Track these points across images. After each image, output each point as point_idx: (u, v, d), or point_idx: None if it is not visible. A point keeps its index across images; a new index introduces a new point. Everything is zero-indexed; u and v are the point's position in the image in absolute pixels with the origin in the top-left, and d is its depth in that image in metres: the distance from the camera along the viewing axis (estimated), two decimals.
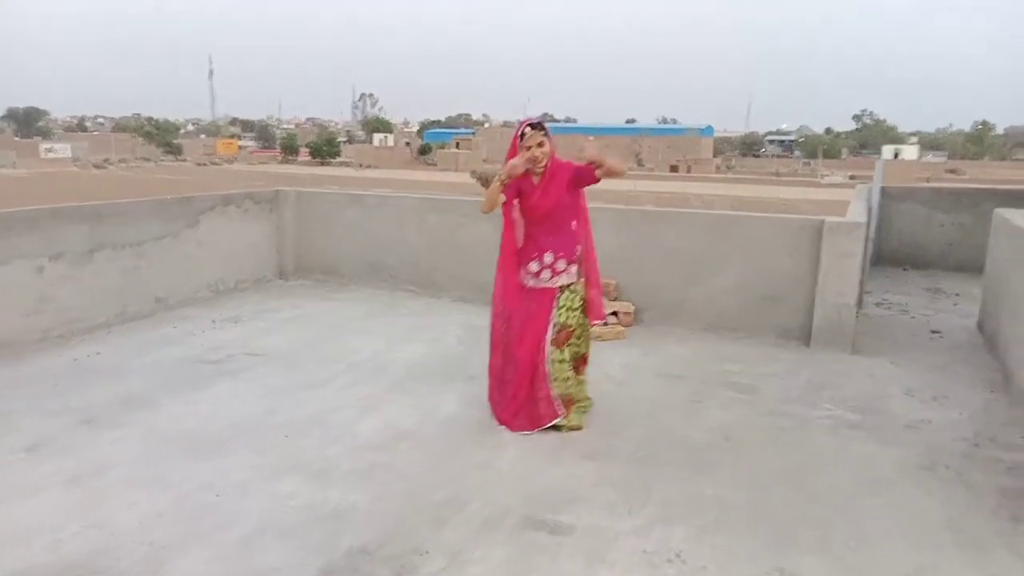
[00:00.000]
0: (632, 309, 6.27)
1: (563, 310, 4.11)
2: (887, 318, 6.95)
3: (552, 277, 4.10)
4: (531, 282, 4.12)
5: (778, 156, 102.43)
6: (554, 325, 4.09)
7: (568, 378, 4.15)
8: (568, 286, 4.12)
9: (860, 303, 7.32)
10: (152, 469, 3.59)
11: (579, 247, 4.16)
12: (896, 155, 71.40)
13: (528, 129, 3.96)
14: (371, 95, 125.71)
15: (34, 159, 71.43)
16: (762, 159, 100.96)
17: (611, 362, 5.27)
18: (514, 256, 4.20)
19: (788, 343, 5.88)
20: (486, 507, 3.34)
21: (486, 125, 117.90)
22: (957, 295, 7.97)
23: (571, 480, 3.62)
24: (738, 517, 3.30)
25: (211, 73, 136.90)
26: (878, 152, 78.92)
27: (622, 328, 6.02)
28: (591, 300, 4.26)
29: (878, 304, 7.50)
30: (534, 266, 4.10)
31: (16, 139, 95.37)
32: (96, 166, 68.90)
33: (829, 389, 4.92)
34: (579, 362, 4.33)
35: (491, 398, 4.34)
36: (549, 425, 4.09)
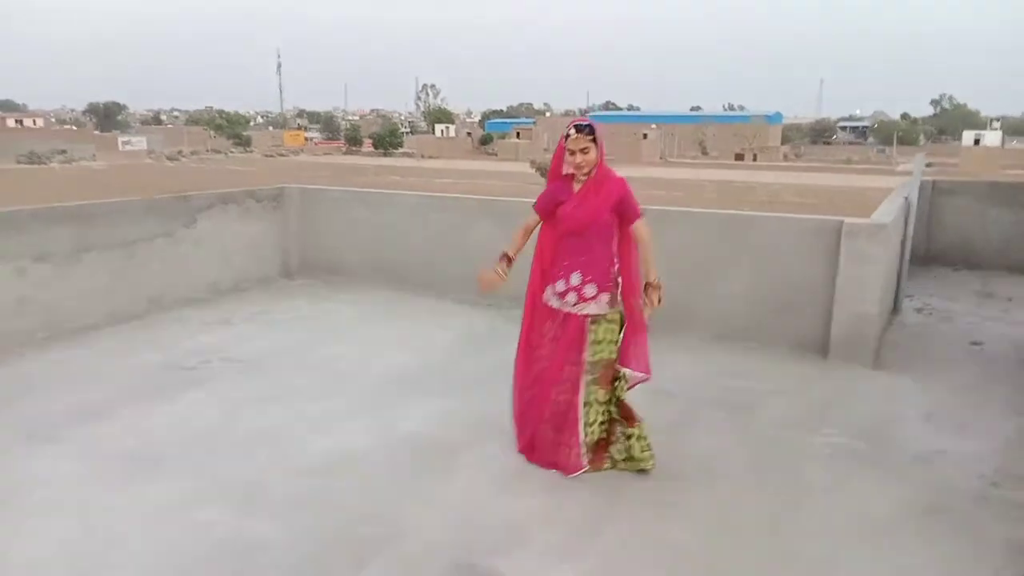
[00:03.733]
0: None
1: (603, 344, 3.60)
2: (925, 326, 6.35)
3: (578, 303, 3.58)
4: (555, 303, 3.64)
5: (850, 143, 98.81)
6: (592, 361, 3.59)
7: (604, 422, 3.68)
8: (602, 316, 3.60)
9: (898, 308, 6.75)
10: (75, 492, 3.41)
11: (615, 274, 3.63)
12: (977, 141, 67.56)
13: (573, 131, 3.49)
14: (433, 86, 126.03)
15: (113, 152, 74.05)
16: (833, 146, 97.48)
17: None
18: (541, 270, 3.74)
19: (804, 355, 5.38)
20: (415, 545, 3.04)
21: (547, 115, 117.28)
22: (1009, 300, 7.27)
23: (521, 515, 3.29)
24: (694, 569, 2.92)
25: (279, 67, 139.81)
26: (958, 138, 75.17)
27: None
28: (626, 340, 3.67)
29: (919, 310, 6.88)
30: (560, 285, 3.61)
31: (96, 133, 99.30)
32: (169, 158, 71.14)
33: (837, 410, 4.44)
34: (626, 413, 3.71)
35: (515, 417, 3.88)
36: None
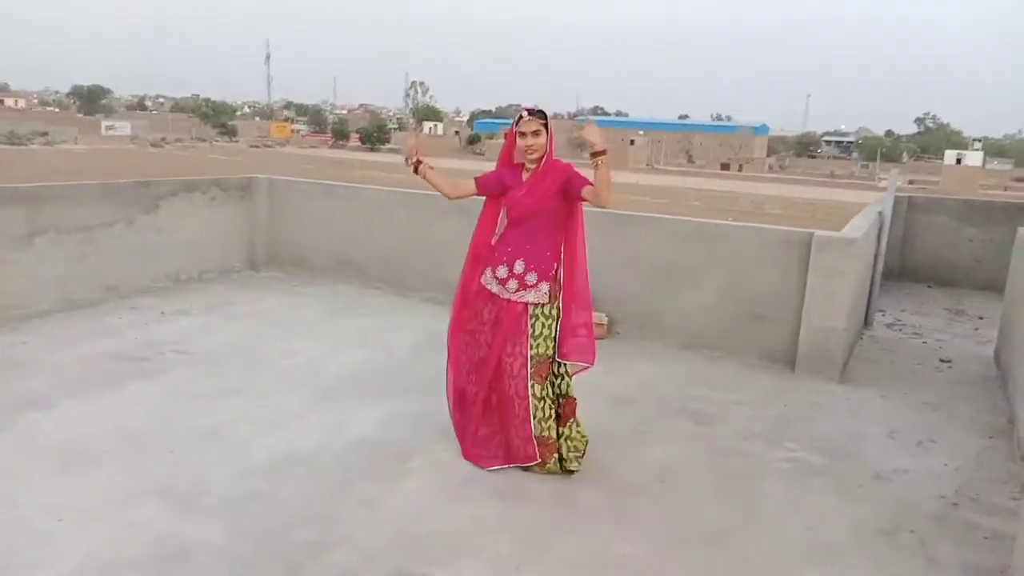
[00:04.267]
0: (606, 321, 5.77)
1: (540, 340, 3.54)
2: (895, 342, 6.31)
3: (519, 290, 3.54)
4: (495, 287, 3.59)
5: (835, 157, 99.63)
6: (530, 357, 3.53)
7: (549, 418, 3.59)
8: (540, 308, 3.54)
9: (869, 323, 6.71)
10: (3, 485, 3.25)
11: (558, 267, 3.59)
12: (959, 161, 68.29)
13: (526, 114, 3.48)
14: (422, 83, 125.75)
15: (95, 136, 73.18)
16: (818, 160, 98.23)
17: None
18: (481, 254, 3.70)
19: (771, 367, 5.32)
20: (352, 554, 2.92)
21: None
22: (980, 318, 7.26)
23: (468, 524, 3.18)
24: None
25: (268, 57, 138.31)
26: (940, 156, 75.96)
27: None
28: (567, 329, 3.60)
29: (889, 325, 6.85)
30: (502, 271, 3.58)
31: (80, 116, 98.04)
32: (153, 144, 70.29)
33: (799, 425, 4.37)
34: (567, 406, 3.68)
35: (454, 422, 3.81)
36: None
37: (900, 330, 6.72)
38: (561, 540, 3.08)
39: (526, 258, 3.54)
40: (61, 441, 3.69)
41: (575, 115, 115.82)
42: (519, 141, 3.51)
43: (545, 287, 3.55)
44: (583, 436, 3.71)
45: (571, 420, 3.69)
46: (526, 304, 3.54)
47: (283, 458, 3.64)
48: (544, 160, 3.52)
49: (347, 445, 3.83)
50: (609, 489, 3.52)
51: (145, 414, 4.05)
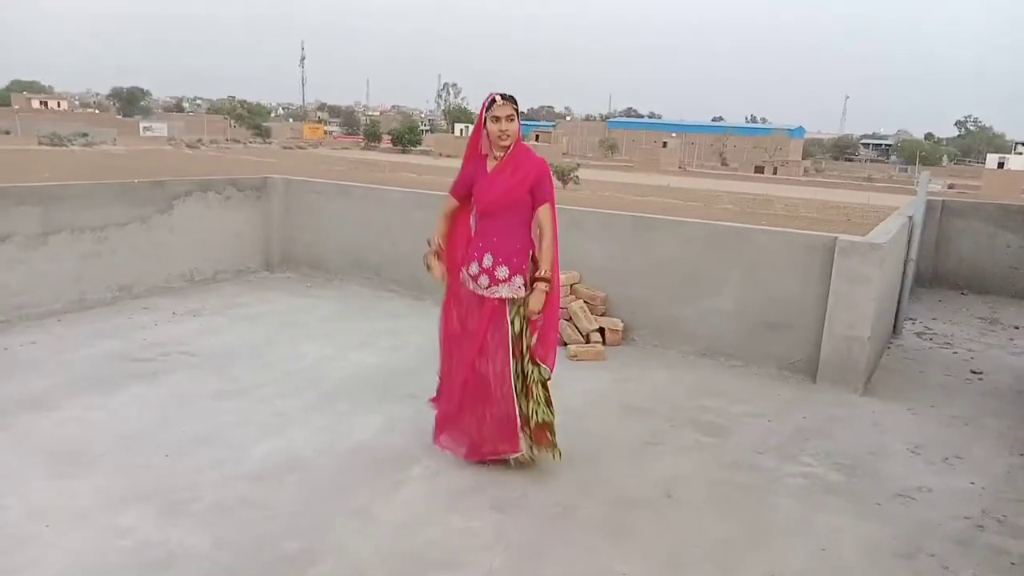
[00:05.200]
0: (620, 326, 5.62)
1: (526, 335, 3.49)
2: (924, 352, 6.06)
3: (490, 285, 3.44)
4: (470, 285, 3.51)
5: (872, 161, 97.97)
6: (516, 335, 3.45)
7: (544, 401, 3.52)
8: (514, 301, 3.46)
9: (897, 331, 6.46)
10: None
11: (531, 258, 3.50)
12: (1001, 165, 66.70)
13: (498, 98, 3.36)
14: (455, 85, 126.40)
15: (133, 137, 74.48)
16: (855, 163, 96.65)
17: (575, 388, 4.63)
18: (451, 252, 3.66)
19: (791, 377, 5.12)
20: (340, 566, 2.82)
21: (568, 119, 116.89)
22: (1016, 328, 6.96)
23: (460, 537, 3.06)
24: None
25: (303, 59, 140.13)
26: (982, 160, 74.26)
27: (601, 348, 5.37)
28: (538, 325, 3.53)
29: (919, 334, 6.59)
30: (474, 267, 3.49)
31: (119, 117, 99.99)
32: (189, 145, 71.48)
33: (818, 438, 4.18)
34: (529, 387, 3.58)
35: (437, 422, 3.72)
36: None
37: (930, 339, 6.46)
38: (557, 556, 2.95)
39: (494, 251, 3.44)
40: (55, 442, 3.65)
41: (608, 117, 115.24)
42: (492, 126, 3.38)
43: (519, 280, 3.44)
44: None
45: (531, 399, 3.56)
46: (502, 300, 3.44)
47: (278, 464, 3.56)
48: (511, 147, 3.43)
49: (345, 451, 3.74)
50: (612, 502, 3.38)
51: (144, 416, 4.00)
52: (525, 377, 3.50)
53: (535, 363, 3.50)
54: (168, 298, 6.21)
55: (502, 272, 3.44)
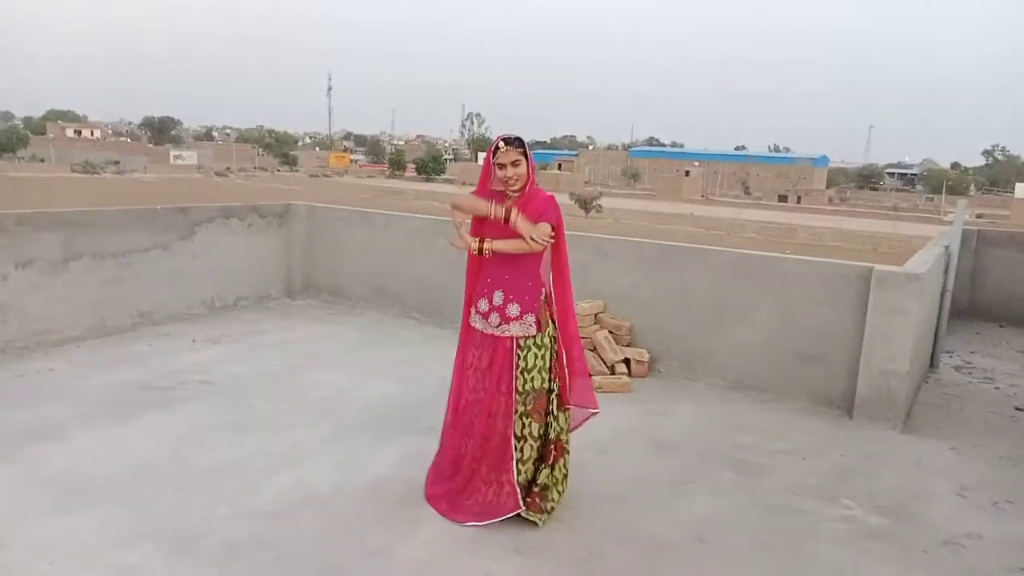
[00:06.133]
0: (647, 358, 5.45)
1: (534, 372, 3.30)
2: (964, 387, 5.82)
3: (501, 324, 3.30)
4: (479, 324, 3.38)
5: (898, 190, 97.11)
6: (524, 391, 3.28)
7: (530, 459, 3.33)
8: (530, 340, 3.30)
9: (935, 365, 6.23)
10: None
11: (543, 296, 3.36)
12: None
13: (502, 144, 3.24)
14: (479, 115, 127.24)
15: (164, 165, 75.85)
16: (880, 192, 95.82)
17: (600, 422, 4.35)
18: (467, 290, 3.51)
19: (827, 412, 4.91)
20: None
21: (590, 148, 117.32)
22: None
23: None
24: None
25: (329, 89, 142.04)
26: (1010, 190, 73.21)
27: (628, 380, 5.21)
28: (569, 369, 3.41)
29: (958, 368, 6.35)
30: (483, 305, 3.36)
31: (150, 146, 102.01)
32: (218, 173, 72.67)
33: (858, 479, 3.97)
34: (555, 449, 3.39)
35: (432, 466, 3.59)
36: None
37: (969, 373, 6.22)
38: None
39: (505, 289, 3.31)
40: (64, 474, 3.55)
41: (630, 146, 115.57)
42: (498, 172, 3.25)
43: (530, 318, 3.30)
44: (559, 489, 3.41)
45: (551, 466, 3.39)
46: (513, 338, 3.30)
47: (293, 499, 3.42)
48: (526, 189, 3.29)
49: (362, 486, 3.60)
50: (641, 546, 3.20)
51: (157, 447, 3.90)
52: (546, 437, 3.36)
53: (563, 411, 3.35)
54: (189, 325, 6.15)
55: (513, 310, 3.31)
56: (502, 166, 3.24)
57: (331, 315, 6.80)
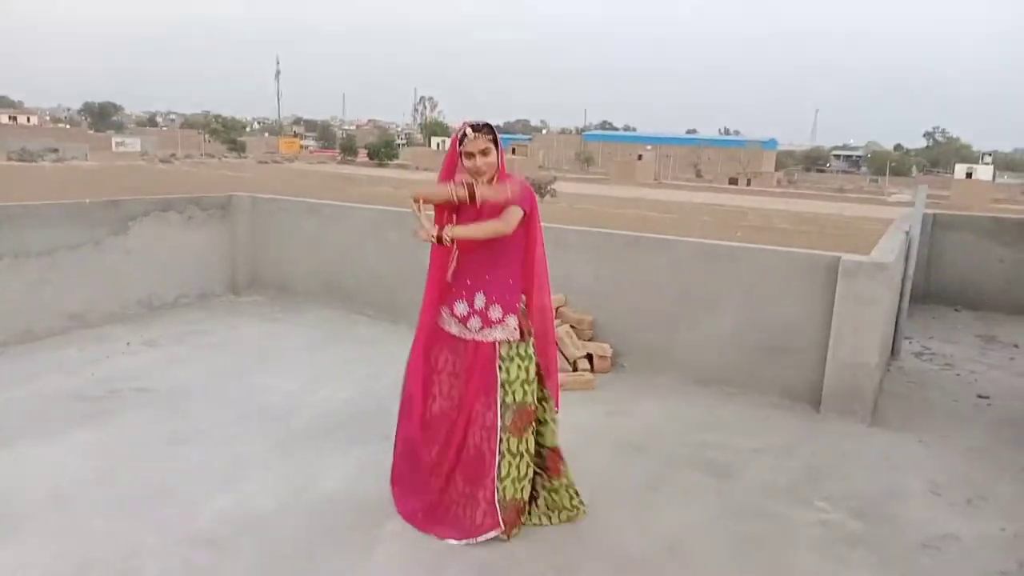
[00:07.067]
0: (609, 353, 5.27)
1: (516, 384, 3.06)
2: (925, 374, 5.78)
3: (483, 328, 3.07)
4: (455, 329, 3.13)
5: (843, 172, 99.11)
6: (506, 404, 3.04)
7: (524, 477, 3.11)
8: (510, 345, 3.07)
9: (896, 352, 6.18)
10: None
11: (523, 297, 3.15)
12: (969, 175, 67.60)
13: (470, 132, 2.96)
14: (431, 99, 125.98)
15: (106, 152, 73.23)
16: (826, 174, 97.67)
17: (564, 423, 4.14)
18: (437, 292, 3.21)
19: (793, 405, 4.80)
20: None
21: (543, 132, 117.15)
22: (1015, 347, 6.72)
23: None
24: None
25: (278, 73, 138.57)
26: (950, 171, 75.41)
27: (591, 376, 5.02)
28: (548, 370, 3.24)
29: (918, 354, 6.32)
30: (461, 308, 3.10)
31: (90, 132, 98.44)
32: (162, 160, 70.36)
33: (831, 478, 3.85)
34: (553, 459, 3.27)
35: (394, 479, 3.34)
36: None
37: (930, 360, 6.19)
38: None
39: (487, 290, 3.07)
40: None
41: (583, 130, 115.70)
42: (465, 162, 3.00)
43: (513, 321, 3.07)
44: (572, 493, 3.27)
45: (559, 473, 3.25)
46: (494, 344, 3.06)
47: (235, 522, 3.15)
48: (495, 179, 3.05)
49: (312, 504, 3.34)
50: (614, 562, 3.01)
51: (85, 466, 3.57)
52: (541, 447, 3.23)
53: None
54: (124, 326, 5.77)
55: (495, 312, 3.07)
56: (470, 155, 2.98)
57: (278, 313, 6.48)
